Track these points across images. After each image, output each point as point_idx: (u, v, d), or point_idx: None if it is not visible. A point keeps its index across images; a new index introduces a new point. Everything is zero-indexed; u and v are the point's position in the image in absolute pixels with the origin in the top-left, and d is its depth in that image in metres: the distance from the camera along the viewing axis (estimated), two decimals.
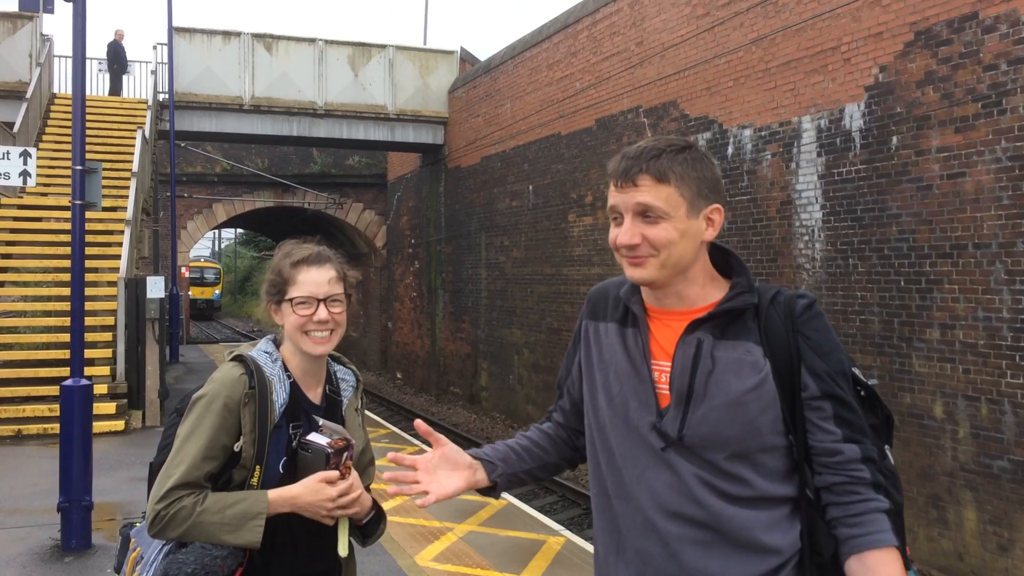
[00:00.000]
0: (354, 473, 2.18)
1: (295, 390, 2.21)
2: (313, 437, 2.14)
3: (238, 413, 2.09)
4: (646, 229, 1.67)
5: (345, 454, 2.14)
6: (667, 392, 1.71)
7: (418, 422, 1.98)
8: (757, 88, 10.60)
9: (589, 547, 6.42)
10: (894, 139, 8.74)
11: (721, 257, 1.81)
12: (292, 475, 2.13)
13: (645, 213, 1.66)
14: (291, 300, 2.17)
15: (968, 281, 7.93)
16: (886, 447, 1.73)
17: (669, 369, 1.71)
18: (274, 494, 2.06)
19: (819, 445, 1.65)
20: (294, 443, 2.15)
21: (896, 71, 8.74)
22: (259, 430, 2.10)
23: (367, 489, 2.27)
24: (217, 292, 52.24)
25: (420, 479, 1.87)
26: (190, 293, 39.91)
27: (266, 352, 2.24)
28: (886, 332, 8.69)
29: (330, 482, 2.09)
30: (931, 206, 8.32)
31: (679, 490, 1.67)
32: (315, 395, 2.27)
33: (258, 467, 2.10)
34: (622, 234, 1.69)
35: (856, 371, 1.71)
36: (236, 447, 2.10)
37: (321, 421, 2.19)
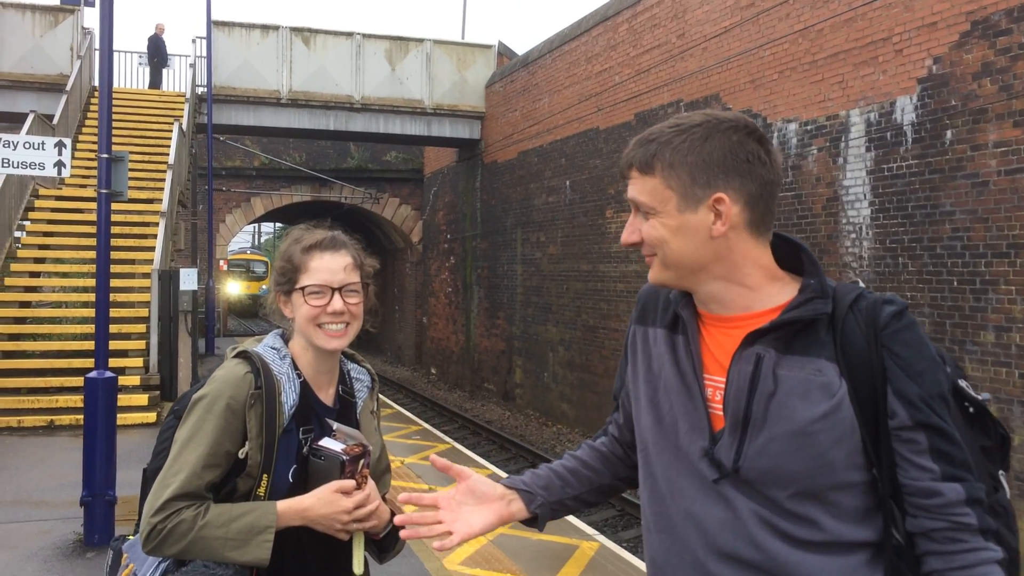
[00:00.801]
0: (371, 483, 1.96)
1: (305, 390, 1.99)
2: (326, 443, 1.92)
3: (243, 416, 1.87)
4: (643, 225, 1.46)
5: (362, 461, 1.93)
6: (721, 413, 1.45)
7: (434, 458, 1.76)
8: (803, 81, 10.25)
9: (624, 553, 6.18)
10: (948, 133, 8.37)
11: (789, 251, 1.50)
12: (303, 484, 1.91)
13: (639, 208, 1.46)
14: (303, 289, 1.95)
15: None
16: (1000, 473, 1.41)
17: (723, 386, 1.45)
18: (283, 506, 1.85)
19: (912, 484, 1.35)
20: (305, 449, 1.94)
21: (951, 62, 8.36)
22: (266, 435, 1.88)
23: (383, 499, 2.05)
24: (264, 287, 47.02)
25: (443, 518, 1.64)
26: (233, 286, 39.05)
27: (273, 348, 2.01)
28: (938, 334, 8.32)
29: (346, 492, 1.88)
30: (987, 203, 7.94)
31: (734, 529, 1.41)
32: (327, 396, 2.05)
33: (265, 476, 1.88)
34: (624, 231, 1.50)
35: (964, 384, 1.39)
36: (241, 453, 1.87)
37: (335, 425, 1.97)
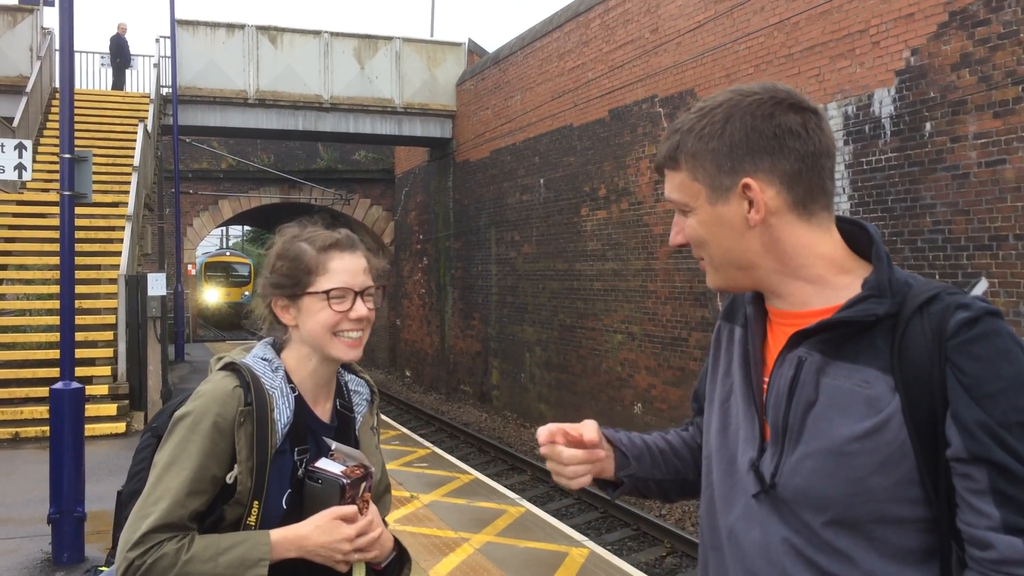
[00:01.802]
0: (373, 508, 1.78)
1: (300, 406, 1.78)
2: (324, 464, 1.73)
3: (231, 436, 1.67)
4: (685, 224, 1.34)
5: (363, 484, 1.75)
6: None
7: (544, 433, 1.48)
8: (779, 74, 10.17)
9: (615, 560, 6.04)
10: (927, 125, 8.32)
11: (866, 239, 1.30)
12: (298, 511, 1.71)
13: (678, 208, 1.34)
14: (326, 292, 1.76)
15: (1009, 274, 7.50)
16: None
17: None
18: (277, 536, 1.66)
19: (967, 530, 1.12)
20: (300, 472, 1.74)
21: (929, 54, 8.31)
22: (258, 456, 1.68)
23: (384, 523, 1.86)
24: (247, 293, 40.42)
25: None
26: (211, 293, 36.49)
27: (264, 359, 1.80)
28: None
29: (347, 519, 1.69)
30: (968, 195, 7.89)
31: (767, 555, 1.25)
32: (324, 411, 1.85)
33: (256, 502, 1.67)
34: (671, 231, 1.38)
35: None
36: (229, 478, 1.67)
37: (333, 444, 1.78)
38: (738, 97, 1.28)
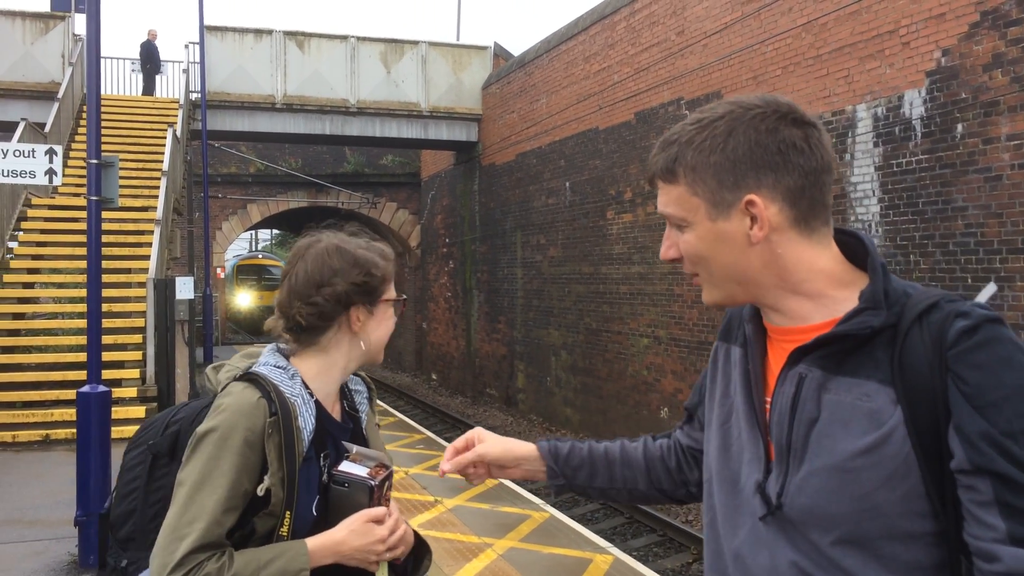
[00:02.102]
0: (394, 504, 1.79)
1: (320, 411, 1.78)
2: (347, 467, 1.73)
3: (261, 449, 1.65)
4: (679, 238, 1.30)
5: (386, 484, 1.76)
6: None
7: (443, 468, 1.69)
8: (807, 76, 10.07)
9: (640, 567, 5.98)
10: (959, 127, 8.18)
11: (859, 249, 1.28)
12: (325, 518, 1.71)
13: (671, 221, 1.30)
14: (397, 301, 1.86)
15: None
16: None
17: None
18: (314, 544, 1.65)
19: (974, 543, 1.09)
20: (323, 477, 1.74)
21: (960, 54, 8.17)
22: (287, 466, 1.66)
23: None
24: None
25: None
26: (244, 297, 35.53)
27: (278, 367, 1.77)
28: None
29: (377, 521, 1.71)
30: (1001, 198, 7.75)
31: None
32: (336, 415, 1.85)
33: (288, 512, 1.67)
34: (662, 244, 1.34)
35: None
36: (260, 490, 1.65)
37: (354, 448, 1.78)
38: (740, 110, 1.24)
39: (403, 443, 11.02)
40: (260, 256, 40.87)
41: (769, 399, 1.28)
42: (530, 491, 9.36)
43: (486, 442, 1.67)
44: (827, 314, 1.23)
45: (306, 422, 1.72)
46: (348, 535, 1.67)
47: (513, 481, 9.37)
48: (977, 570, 1.09)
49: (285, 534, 1.66)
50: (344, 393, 1.92)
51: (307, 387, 1.78)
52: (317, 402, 1.78)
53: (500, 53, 20.40)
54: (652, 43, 13.25)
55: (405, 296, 1.89)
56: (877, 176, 9.09)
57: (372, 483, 1.70)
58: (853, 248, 1.28)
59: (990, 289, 1.35)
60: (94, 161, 5.70)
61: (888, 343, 1.17)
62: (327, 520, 1.71)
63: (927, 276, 8.42)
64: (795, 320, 1.27)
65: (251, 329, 36.01)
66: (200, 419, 1.76)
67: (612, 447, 1.68)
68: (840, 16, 9.56)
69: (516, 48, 20.23)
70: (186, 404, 1.86)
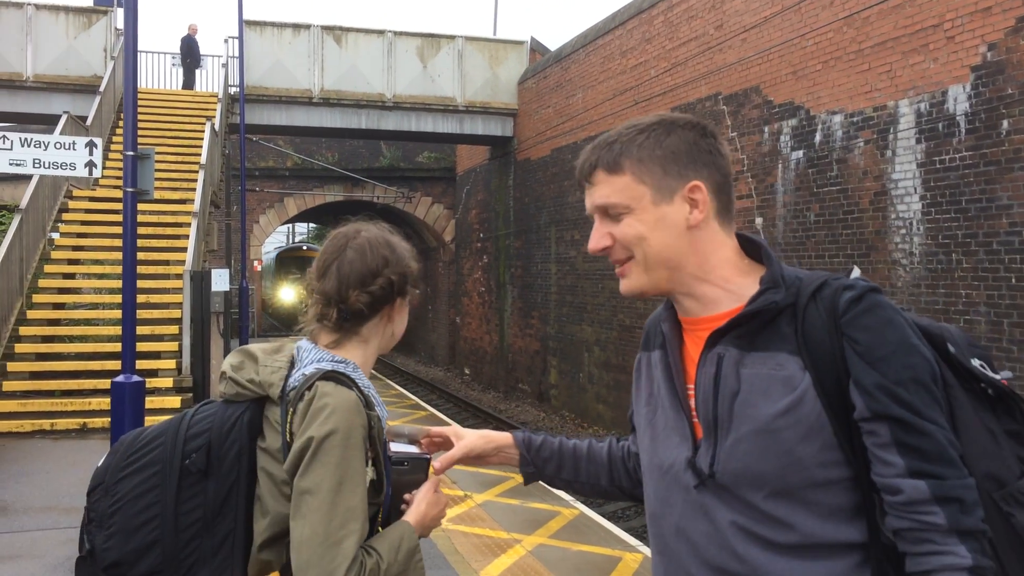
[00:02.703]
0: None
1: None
2: (398, 447, 1.82)
3: (368, 442, 1.69)
4: (613, 228, 1.44)
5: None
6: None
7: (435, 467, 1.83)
8: (848, 70, 9.88)
9: None
10: (1005, 123, 7.98)
11: (753, 250, 1.47)
12: (392, 495, 1.80)
13: (607, 212, 1.44)
14: (416, 292, 1.94)
15: None
16: None
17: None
18: (413, 519, 1.74)
19: (880, 480, 1.28)
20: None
21: (1007, 49, 7.97)
22: (384, 455, 1.75)
23: None
24: None
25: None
26: (287, 292, 34.66)
27: (340, 362, 1.75)
28: (994, 334, 7.94)
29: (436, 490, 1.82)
30: None
31: (718, 541, 1.37)
32: None
33: (382, 496, 1.76)
34: (590, 239, 1.47)
35: (978, 364, 1.34)
36: (367, 479, 1.68)
37: (401, 428, 1.88)
38: (671, 119, 1.45)
39: None
40: (304, 248, 38.95)
41: (691, 385, 1.44)
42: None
43: (466, 438, 1.82)
44: (734, 301, 1.41)
45: (382, 411, 1.78)
46: (427, 507, 1.76)
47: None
48: (888, 505, 1.27)
49: (379, 517, 1.75)
50: None
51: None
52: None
53: (536, 48, 20.33)
54: (690, 37, 13.11)
55: (418, 290, 1.93)
56: (919, 173, 8.90)
57: (428, 456, 1.81)
58: (746, 246, 1.47)
59: (855, 272, 1.43)
60: (130, 153, 5.76)
61: (791, 319, 1.34)
62: (394, 500, 1.78)
63: (969, 276, 8.23)
64: (707, 308, 1.43)
65: (288, 322, 34.84)
66: (238, 430, 1.69)
67: (580, 444, 1.83)
68: (883, 10, 9.37)
69: (553, 43, 20.16)
70: (197, 415, 1.75)
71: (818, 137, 10.32)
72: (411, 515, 1.74)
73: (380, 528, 1.72)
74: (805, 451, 1.29)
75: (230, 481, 1.66)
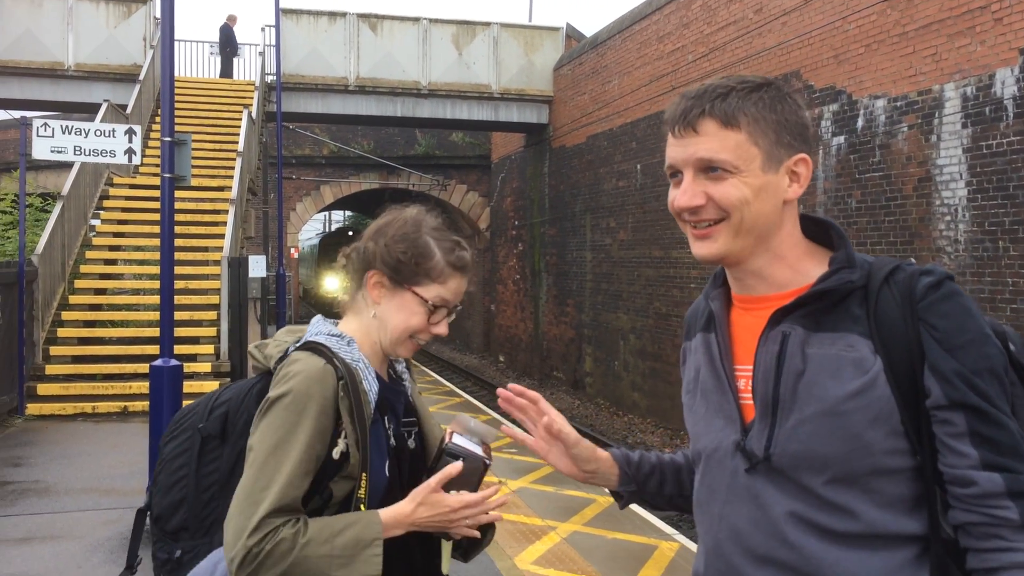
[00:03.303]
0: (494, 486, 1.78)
1: (377, 375, 1.78)
2: (462, 442, 1.70)
3: (334, 413, 1.65)
4: (711, 187, 1.33)
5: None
6: (752, 402, 1.36)
7: (502, 391, 1.63)
8: (892, 54, 9.67)
9: None
10: None
11: (818, 231, 1.42)
12: (399, 481, 1.72)
13: (709, 168, 1.32)
14: (434, 305, 1.75)
15: None
16: None
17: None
18: (387, 515, 1.64)
19: (949, 471, 1.23)
20: (391, 441, 1.76)
21: None
22: (360, 429, 1.66)
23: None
24: None
25: (539, 430, 1.61)
26: (332, 282, 34.31)
27: (333, 335, 1.76)
28: None
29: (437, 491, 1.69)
30: None
31: (766, 528, 1.31)
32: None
33: (364, 475, 1.67)
34: (680, 194, 1.35)
35: None
36: (335, 454, 1.65)
37: (472, 422, 1.75)
38: (779, 84, 1.37)
39: None
40: (350, 233, 38.36)
41: (739, 366, 1.39)
42: None
43: (573, 435, 1.62)
44: (799, 281, 1.35)
45: (371, 385, 1.72)
46: (416, 507, 1.65)
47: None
48: (952, 497, 1.22)
49: (363, 496, 1.66)
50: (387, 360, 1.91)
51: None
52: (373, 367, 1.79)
53: (572, 34, 20.19)
54: (728, 21, 12.92)
55: (443, 302, 1.76)
56: (965, 158, 8.69)
57: (488, 462, 1.69)
58: (807, 229, 1.42)
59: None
60: (167, 139, 5.79)
61: (862, 301, 1.30)
62: (401, 485, 1.72)
63: (1016, 263, 8.03)
64: (771, 286, 1.38)
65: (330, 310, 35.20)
66: (249, 399, 1.76)
67: (676, 457, 1.71)
68: None
69: (588, 29, 19.98)
70: (227, 387, 1.84)
71: (860, 122, 10.13)
72: (391, 511, 1.65)
73: (363, 507, 1.65)
74: (873, 436, 1.25)
75: (240, 447, 1.70)
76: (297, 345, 1.75)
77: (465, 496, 1.67)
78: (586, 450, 1.61)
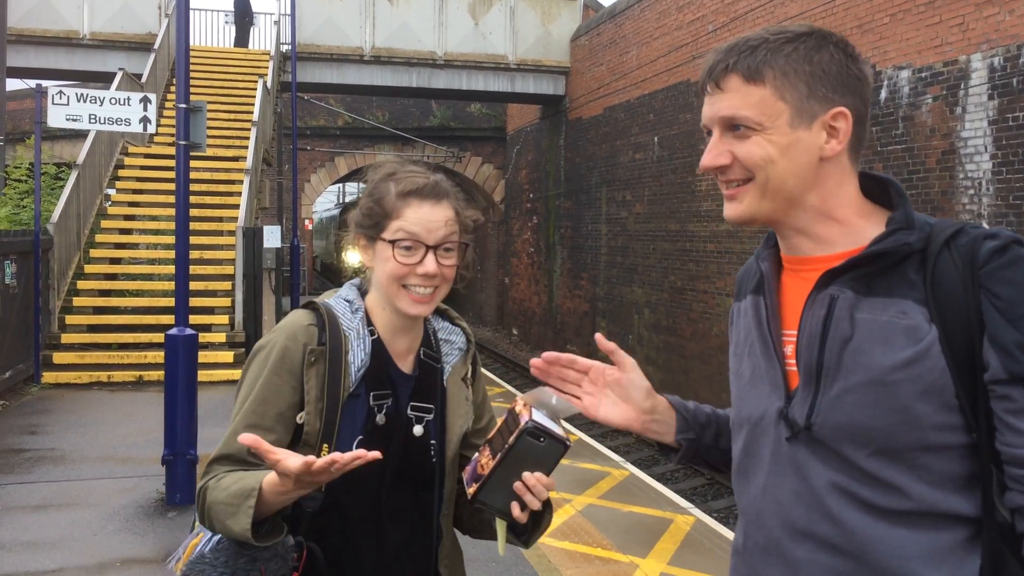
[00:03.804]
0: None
1: (379, 350, 1.70)
2: (542, 420, 1.53)
3: (300, 374, 1.62)
4: (736, 146, 1.27)
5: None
6: (796, 369, 1.28)
7: (599, 337, 1.58)
8: (918, 23, 9.47)
9: (722, 529, 5.82)
10: None
11: (878, 189, 1.32)
12: (386, 463, 1.54)
13: (733, 126, 1.27)
14: (393, 242, 1.65)
15: None
16: None
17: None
18: (269, 476, 1.47)
19: (1008, 451, 1.13)
20: (376, 417, 1.67)
21: None
22: (328, 398, 1.62)
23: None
24: None
25: (584, 386, 1.52)
26: (355, 255, 36.22)
27: (346, 300, 1.74)
28: None
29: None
30: None
31: (808, 501, 1.24)
32: (406, 360, 1.76)
33: (326, 446, 1.61)
34: (706, 153, 1.30)
35: None
36: (299, 418, 1.61)
37: (554, 398, 1.57)
38: (822, 33, 1.28)
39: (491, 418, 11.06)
40: None
41: (788, 331, 1.31)
42: (610, 448, 9.25)
43: (640, 377, 1.52)
44: (851, 242, 1.27)
45: (355, 356, 1.66)
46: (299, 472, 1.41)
47: (592, 438, 9.26)
48: (1010, 478, 1.13)
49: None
50: (428, 341, 1.81)
51: (370, 323, 1.72)
52: (377, 340, 1.71)
53: (590, 4, 19.93)
54: None
55: (403, 236, 1.64)
56: (990, 131, 8.52)
57: (568, 443, 1.56)
58: (866, 188, 1.32)
59: None
60: (183, 106, 5.73)
61: (919, 265, 1.21)
62: (410, 472, 1.67)
63: None
64: (820, 247, 1.29)
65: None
66: None
67: (727, 411, 1.59)
68: None
69: None
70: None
71: (883, 94, 9.94)
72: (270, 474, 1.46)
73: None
74: (922, 409, 1.16)
75: None
76: (304, 303, 1.76)
77: (298, 463, 1.39)
78: (643, 379, 1.51)
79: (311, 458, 1.39)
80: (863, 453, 1.19)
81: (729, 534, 5.70)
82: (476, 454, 1.62)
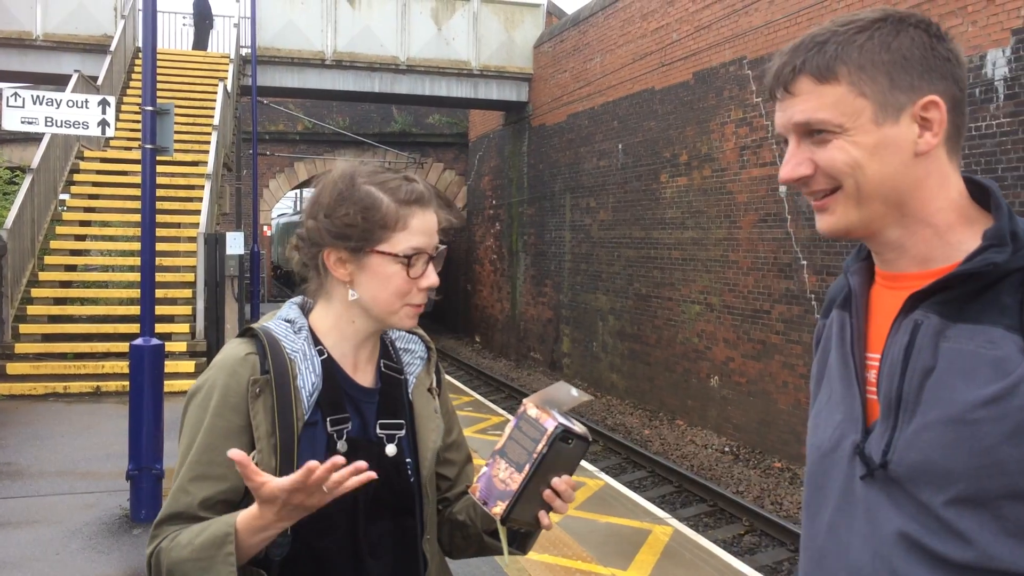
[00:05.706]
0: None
1: (331, 370, 1.55)
2: (566, 422, 1.45)
3: (246, 410, 1.46)
4: (817, 153, 1.14)
5: None
6: (876, 398, 1.15)
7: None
8: None
9: (701, 540, 5.79)
10: None
11: (979, 196, 1.16)
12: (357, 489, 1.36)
13: (811, 131, 1.14)
14: (406, 256, 1.51)
15: None
16: None
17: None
18: (243, 514, 1.38)
19: None
20: (338, 444, 1.51)
21: None
22: (281, 431, 1.46)
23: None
24: None
25: None
26: None
27: (287, 321, 1.57)
28: None
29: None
30: None
31: (874, 547, 1.10)
32: (365, 375, 1.61)
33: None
34: (784, 165, 1.17)
35: None
36: (253, 457, 1.41)
37: (571, 390, 1.48)
38: (899, 15, 1.14)
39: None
40: None
41: (874, 355, 1.18)
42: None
43: None
44: (948, 257, 1.13)
45: (305, 381, 1.50)
46: (261, 505, 1.35)
47: None
48: None
49: None
50: (387, 352, 1.68)
51: (318, 343, 1.56)
52: (327, 360, 1.55)
53: (553, 11, 19.97)
54: (714, 0, 12.78)
55: (414, 250, 1.52)
56: None
57: (590, 439, 1.49)
58: (971, 191, 1.17)
59: None
60: (149, 108, 5.56)
61: (1017, 287, 1.07)
62: (389, 496, 1.54)
63: None
64: (916, 261, 1.15)
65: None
66: None
67: None
68: None
69: (570, 6, 19.76)
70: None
71: None
72: (244, 513, 1.38)
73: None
74: (1010, 453, 1.02)
75: None
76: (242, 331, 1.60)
77: (291, 477, 1.29)
78: None
79: (313, 463, 1.27)
80: (940, 499, 1.06)
81: (708, 544, 5.67)
82: (485, 468, 1.50)
